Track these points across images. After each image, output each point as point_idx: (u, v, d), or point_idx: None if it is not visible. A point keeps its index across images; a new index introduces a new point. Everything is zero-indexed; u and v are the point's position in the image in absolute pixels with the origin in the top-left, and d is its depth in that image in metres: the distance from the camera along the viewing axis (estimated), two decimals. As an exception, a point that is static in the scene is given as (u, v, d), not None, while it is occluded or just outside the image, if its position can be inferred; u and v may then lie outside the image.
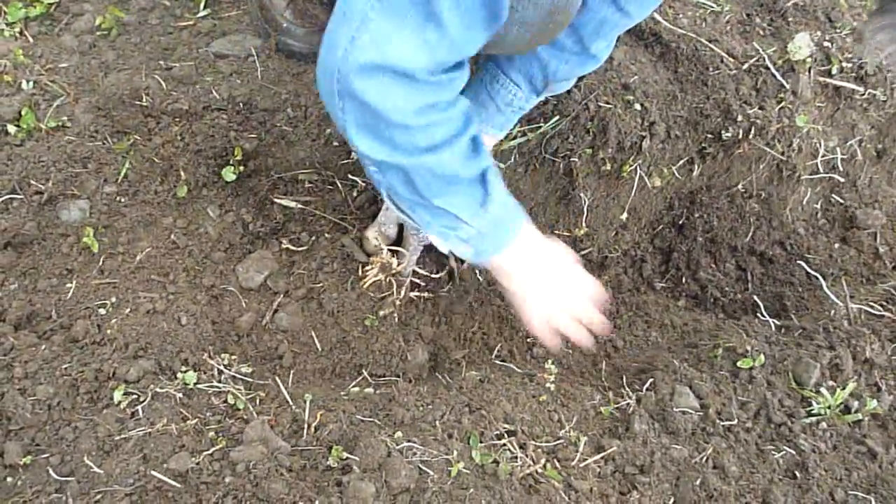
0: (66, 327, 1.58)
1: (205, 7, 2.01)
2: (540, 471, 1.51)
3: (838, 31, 2.24)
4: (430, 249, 1.83)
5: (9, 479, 1.33)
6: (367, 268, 1.77)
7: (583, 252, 2.11)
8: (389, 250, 1.78)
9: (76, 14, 1.97)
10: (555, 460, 1.54)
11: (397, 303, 1.78)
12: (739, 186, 2.21)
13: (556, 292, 1.51)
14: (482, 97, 1.64)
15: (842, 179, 2.30)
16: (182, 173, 1.78)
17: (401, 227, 1.77)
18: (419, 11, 1.13)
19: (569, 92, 1.90)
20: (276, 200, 1.84)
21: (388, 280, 1.77)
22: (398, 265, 1.77)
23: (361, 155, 1.31)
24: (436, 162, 1.29)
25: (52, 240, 1.68)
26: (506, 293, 1.56)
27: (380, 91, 1.19)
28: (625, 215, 2.13)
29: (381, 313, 1.76)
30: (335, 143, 1.87)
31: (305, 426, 1.50)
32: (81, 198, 1.71)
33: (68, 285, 1.63)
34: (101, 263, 1.68)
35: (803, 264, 2.23)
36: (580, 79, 1.92)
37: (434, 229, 1.41)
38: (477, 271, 1.94)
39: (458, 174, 1.32)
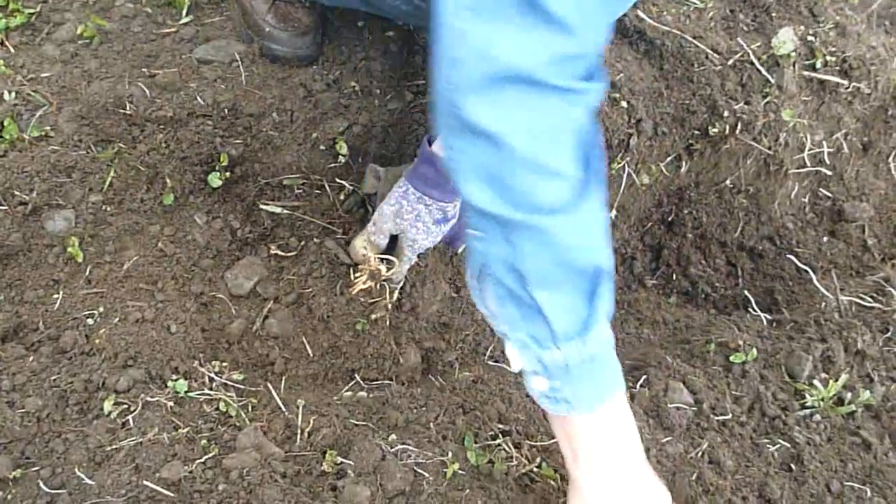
0: (54, 338, 1.56)
1: (187, 14, 1.99)
2: (535, 470, 1.51)
3: (821, 25, 2.25)
4: (423, 258, 1.81)
5: (-2, 494, 1.32)
6: (357, 275, 1.76)
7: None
8: (378, 258, 1.76)
9: (57, 23, 1.96)
10: (550, 459, 1.54)
11: (389, 307, 1.77)
12: (727, 182, 2.21)
13: None
14: None
15: (829, 173, 2.31)
16: (168, 181, 1.77)
17: (394, 238, 1.75)
18: (518, 4, 0.96)
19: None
20: (262, 207, 1.83)
21: (378, 286, 1.76)
22: (388, 271, 1.75)
23: (468, 207, 1.10)
24: (555, 226, 1.07)
25: (38, 250, 1.66)
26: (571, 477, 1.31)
27: (499, 108, 1.00)
28: (614, 213, 2.13)
29: (373, 317, 1.75)
30: (322, 147, 1.86)
31: (299, 432, 1.49)
32: (66, 207, 1.70)
33: (55, 296, 1.61)
34: (87, 273, 1.66)
35: (793, 258, 2.24)
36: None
37: (515, 337, 1.17)
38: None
39: (573, 259, 1.09)
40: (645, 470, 1.28)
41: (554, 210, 1.06)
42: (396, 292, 1.78)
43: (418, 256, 1.77)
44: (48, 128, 1.75)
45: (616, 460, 1.24)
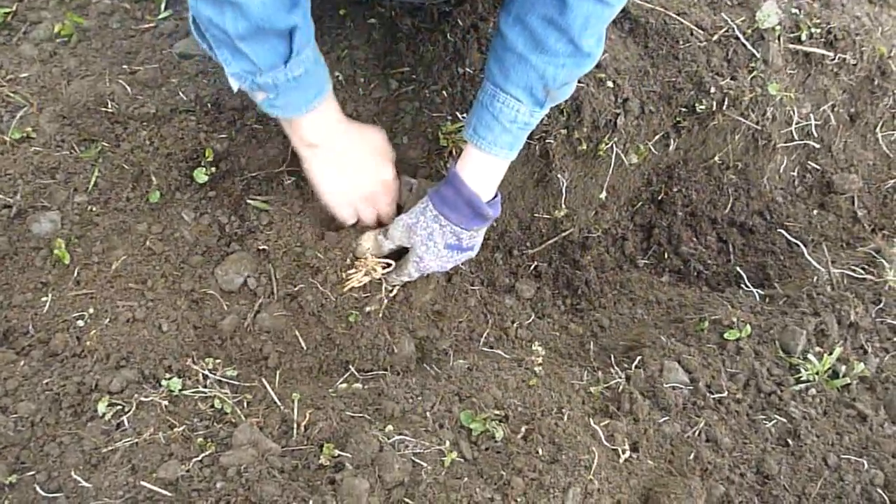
0: (45, 341, 1.55)
1: (166, 8, 1.97)
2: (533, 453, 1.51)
3: (805, -3, 2.24)
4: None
5: (-5, 500, 1.31)
6: (351, 271, 1.74)
7: (564, 233, 2.11)
8: (376, 259, 1.74)
9: (34, 22, 1.93)
10: (545, 441, 1.54)
11: (384, 301, 1.76)
12: (716, 158, 2.21)
13: (348, 173, 1.70)
14: (485, 118, 1.59)
15: (817, 145, 2.31)
16: (153, 178, 1.75)
17: (404, 250, 1.74)
18: None
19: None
20: (250, 201, 1.81)
21: (370, 284, 1.74)
22: (383, 271, 1.73)
23: None
24: (249, 2, 1.33)
25: (25, 253, 1.65)
26: (303, 165, 1.70)
27: None
28: (604, 194, 2.12)
29: (367, 309, 1.74)
30: (308, 139, 1.84)
31: (295, 426, 1.49)
32: (52, 209, 1.68)
33: (44, 299, 1.60)
34: (76, 274, 1.65)
35: (784, 232, 2.24)
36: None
37: (233, 69, 1.45)
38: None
39: (268, 24, 1.36)
40: (350, 130, 1.69)
41: None
42: (395, 290, 1.77)
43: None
44: (30, 129, 1.72)
45: (330, 136, 1.65)
